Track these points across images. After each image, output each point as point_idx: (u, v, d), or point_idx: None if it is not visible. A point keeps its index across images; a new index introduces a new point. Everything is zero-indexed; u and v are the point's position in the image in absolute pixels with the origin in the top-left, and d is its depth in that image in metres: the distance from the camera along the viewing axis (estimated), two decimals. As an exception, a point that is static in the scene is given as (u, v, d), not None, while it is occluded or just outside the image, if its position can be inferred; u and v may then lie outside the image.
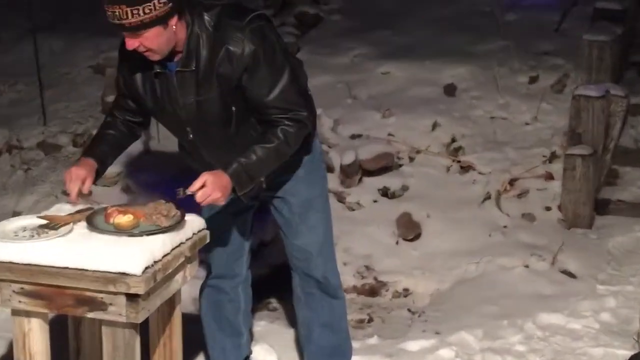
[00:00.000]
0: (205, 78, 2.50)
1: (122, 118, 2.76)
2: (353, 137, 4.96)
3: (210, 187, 2.41)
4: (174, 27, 2.41)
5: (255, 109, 2.56)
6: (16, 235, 2.38)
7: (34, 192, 5.25)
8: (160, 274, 2.29)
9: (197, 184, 2.41)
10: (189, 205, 2.51)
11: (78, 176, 2.55)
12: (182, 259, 2.43)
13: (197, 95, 2.53)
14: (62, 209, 2.59)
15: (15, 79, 6.78)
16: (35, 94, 6.44)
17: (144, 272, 2.21)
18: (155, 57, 2.46)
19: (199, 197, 2.41)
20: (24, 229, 2.44)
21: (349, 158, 4.68)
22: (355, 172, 4.71)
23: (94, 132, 5.53)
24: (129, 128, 2.78)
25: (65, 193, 2.61)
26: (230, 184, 2.44)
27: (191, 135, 2.65)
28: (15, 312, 2.38)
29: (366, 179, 4.72)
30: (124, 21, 2.33)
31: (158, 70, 2.53)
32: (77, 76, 6.76)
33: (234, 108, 2.56)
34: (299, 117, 2.55)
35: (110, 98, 5.78)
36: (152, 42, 2.40)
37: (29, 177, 5.51)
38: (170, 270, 2.36)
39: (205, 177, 2.42)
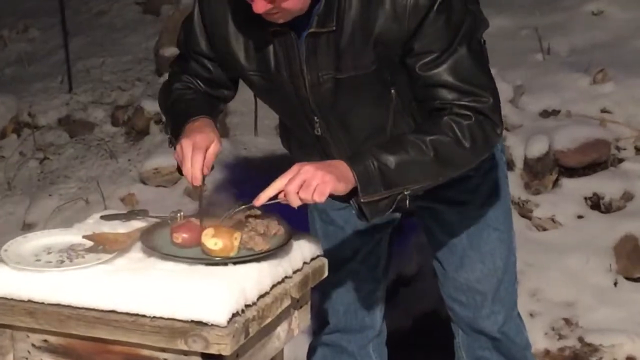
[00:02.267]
0: (353, 44, 2.50)
1: (201, 88, 2.78)
2: (545, 114, 5.03)
3: (309, 172, 2.33)
4: None
5: (416, 90, 2.54)
6: (38, 260, 2.41)
7: (54, 194, 5.41)
8: (255, 325, 2.28)
9: (276, 184, 2.35)
10: (297, 219, 2.51)
11: (200, 144, 2.50)
12: (287, 303, 2.43)
13: (336, 71, 2.54)
14: (109, 223, 2.63)
15: (27, 21, 7.00)
16: (57, 45, 6.63)
17: (230, 321, 2.20)
18: (281, 19, 2.47)
19: (291, 188, 2.32)
20: (49, 249, 2.47)
21: (538, 148, 4.73)
22: (548, 170, 4.74)
23: (145, 103, 5.84)
24: (211, 103, 2.79)
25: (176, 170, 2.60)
26: (353, 179, 2.39)
27: (319, 129, 2.66)
28: (35, 378, 2.40)
29: (565, 182, 4.76)
30: None
31: (277, 29, 2.52)
32: (117, 17, 6.94)
33: (393, 90, 2.55)
34: (480, 105, 2.49)
35: (169, 51, 5.92)
36: (293, 1, 2.40)
37: (47, 170, 5.68)
38: (269, 320, 2.35)
39: (296, 168, 2.36)
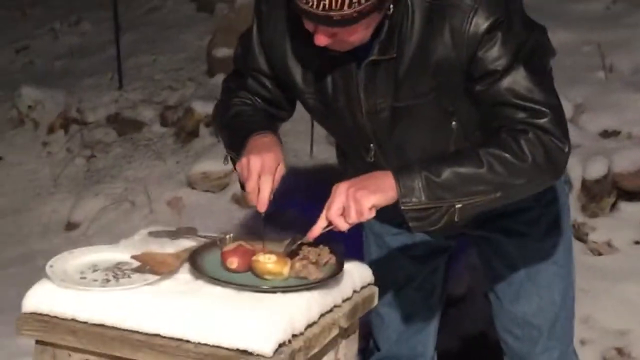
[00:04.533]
0: (412, 72, 2.49)
1: (260, 105, 2.76)
2: (605, 134, 4.98)
3: (342, 194, 2.35)
4: (389, 10, 2.42)
5: (479, 114, 2.52)
6: (83, 278, 2.41)
7: (100, 194, 5.44)
8: (301, 355, 2.26)
9: (320, 220, 2.38)
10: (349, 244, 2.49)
11: (269, 165, 2.48)
12: (334, 333, 2.41)
13: (394, 99, 2.53)
14: (156, 241, 2.61)
15: (78, 15, 7.01)
16: (108, 40, 6.64)
17: (276, 351, 2.19)
18: (342, 49, 2.46)
19: (332, 215, 2.34)
20: (95, 267, 2.47)
21: (597, 169, 4.71)
22: (607, 192, 4.71)
23: (195, 105, 5.83)
24: (271, 120, 2.77)
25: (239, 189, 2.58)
26: (394, 189, 2.37)
27: (372, 157, 2.65)
28: (75, 398, 2.42)
29: (624, 205, 4.73)
30: (332, 12, 2.32)
31: (336, 54, 2.50)
32: (170, 13, 6.93)
33: (454, 122, 2.54)
34: (538, 121, 2.44)
35: (222, 52, 5.93)
36: (357, 35, 2.39)
37: (93, 169, 5.71)
38: (316, 350, 2.34)
39: (333, 190, 2.38)
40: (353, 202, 2.33)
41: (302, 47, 2.57)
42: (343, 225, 2.35)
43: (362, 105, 2.56)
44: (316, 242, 2.45)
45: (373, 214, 2.35)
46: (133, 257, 2.44)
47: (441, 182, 2.38)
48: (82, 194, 5.47)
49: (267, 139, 2.55)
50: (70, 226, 5.29)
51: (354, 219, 2.34)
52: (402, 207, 2.36)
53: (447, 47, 2.43)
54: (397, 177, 2.36)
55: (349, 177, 2.69)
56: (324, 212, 2.37)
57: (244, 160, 2.48)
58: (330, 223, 2.37)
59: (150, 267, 2.41)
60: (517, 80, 2.44)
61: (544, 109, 2.44)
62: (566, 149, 2.46)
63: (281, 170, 2.51)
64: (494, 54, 2.43)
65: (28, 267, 4.55)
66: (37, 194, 5.70)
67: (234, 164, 2.62)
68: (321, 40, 2.38)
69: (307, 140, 5.13)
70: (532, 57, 2.48)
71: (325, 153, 5.03)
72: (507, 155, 2.40)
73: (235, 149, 2.59)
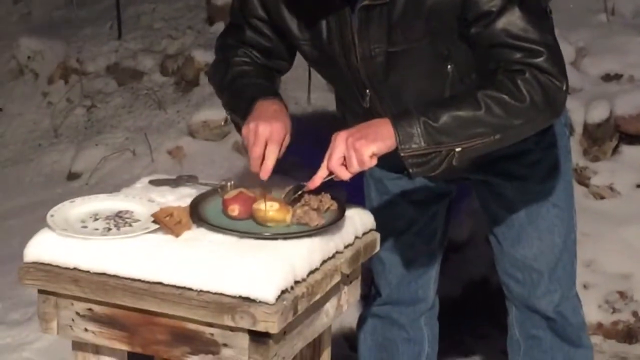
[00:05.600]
0: (405, 16, 2.47)
1: (259, 60, 2.74)
2: (607, 78, 5.00)
3: (341, 144, 2.35)
4: None
5: (475, 57, 2.50)
6: (84, 227, 2.40)
7: (100, 144, 5.44)
8: (303, 302, 2.27)
9: (324, 163, 2.38)
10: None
11: (278, 134, 2.48)
12: (336, 279, 2.42)
13: (389, 44, 2.52)
14: (157, 189, 2.61)
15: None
16: (107, -11, 6.58)
17: (279, 298, 2.20)
18: None
19: (333, 165, 2.35)
20: (95, 216, 2.47)
21: (598, 113, 4.73)
22: (609, 136, 4.74)
23: (195, 53, 5.80)
24: (272, 77, 2.76)
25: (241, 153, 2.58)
26: (393, 135, 2.36)
27: (368, 102, 2.64)
28: (78, 346, 2.41)
29: (626, 149, 4.77)
30: None
31: (328, 0, 2.50)
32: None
33: (449, 66, 2.53)
34: (534, 60, 2.42)
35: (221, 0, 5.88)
36: None
37: (94, 118, 5.69)
38: (318, 297, 2.35)
39: (332, 140, 2.38)
40: (353, 152, 2.32)
41: None
42: (345, 175, 2.36)
43: (356, 51, 2.55)
44: (317, 190, 2.45)
45: (375, 162, 2.35)
46: (152, 215, 2.41)
47: (440, 127, 2.36)
48: (83, 144, 5.47)
49: (275, 106, 2.55)
50: (72, 176, 5.29)
51: (355, 167, 2.34)
52: (402, 154, 2.36)
53: None
54: (395, 124, 2.35)
55: (348, 123, 2.70)
56: (325, 162, 2.37)
57: (252, 125, 2.47)
58: (331, 173, 2.37)
59: (168, 229, 2.38)
60: (512, 20, 2.42)
61: (540, 48, 2.42)
62: (564, 87, 2.44)
63: (287, 141, 2.51)
64: None
65: (30, 217, 4.55)
66: (37, 145, 5.69)
67: (236, 125, 2.62)
68: None
69: (306, 88, 5.12)
70: None
71: (324, 100, 5.02)
72: (504, 96, 2.39)
73: (239, 112, 2.58)
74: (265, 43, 2.72)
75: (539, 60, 2.41)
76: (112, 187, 4.40)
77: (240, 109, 2.57)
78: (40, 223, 2.39)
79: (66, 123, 5.76)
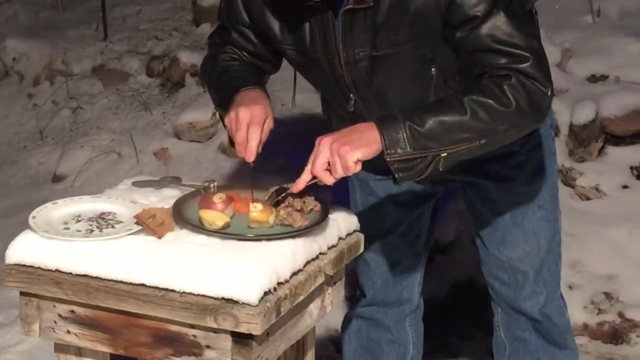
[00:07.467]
0: (389, 20, 2.47)
1: (247, 59, 2.75)
2: (593, 79, 5.00)
3: (326, 149, 2.33)
4: None
5: (459, 61, 2.49)
6: (67, 229, 2.39)
7: (86, 145, 5.43)
8: (287, 303, 2.26)
9: (308, 166, 2.37)
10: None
11: (258, 117, 2.48)
12: (320, 280, 2.41)
13: (373, 48, 2.51)
14: (140, 190, 2.61)
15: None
16: (93, -10, 6.57)
17: (262, 299, 2.19)
18: None
19: (317, 170, 2.34)
20: (78, 217, 2.45)
21: (584, 114, 4.73)
22: (594, 137, 4.73)
23: (181, 55, 5.80)
24: (259, 74, 2.76)
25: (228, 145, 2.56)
26: (378, 140, 2.35)
27: (352, 106, 2.64)
28: (60, 348, 2.40)
29: (612, 150, 4.76)
30: None
31: (313, 4, 2.49)
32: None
33: (434, 69, 2.52)
34: (519, 65, 2.42)
35: (207, 1, 5.88)
36: None
37: (79, 120, 5.69)
38: (301, 298, 2.34)
39: (316, 144, 2.36)
40: (338, 158, 2.31)
41: None
42: (329, 180, 2.35)
43: (340, 55, 2.55)
44: (301, 192, 2.44)
45: (359, 168, 2.34)
46: (135, 217, 2.40)
47: (425, 132, 2.36)
48: (69, 146, 5.46)
49: (255, 93, 2.55)
50: (57, 178, 5.27)
51: (340, 173, 2.33)
52: (388, 159, 2.35)
53: None
54: (381, 129, 2.34)
55: (333, 126, 2.70)
56: (308, 166, 2.37)
57: (232, 113, 2.48)
58: (314, 177, 2.37)
59: (151, 230, 2.37)
60: (497, 25, 2.41)
61: (525, 53, 2.42)
62: (549, 93, 2.44)
63: (269, 124, 2.51)
64: (472, 0, 2.41)
65: (15, 219, 4.53)
66: (23, 147, 5.68)
67: (223, 120, 2.61)
68: None
69: (292, 89, 5.12)
70: (512, 0, 2.46)
71: (310, 102, 5.01)
72: (490, 101, 2.38)
73: (224, 105, 2.58)
74: (250, 48, 2.73)
75: (525, 65, 2.41)
76: (98, 188, 4.36)
77: (224, 102, 2.58)
78: (25, 225, 2.38)
79: (51, 125, 5.75)
